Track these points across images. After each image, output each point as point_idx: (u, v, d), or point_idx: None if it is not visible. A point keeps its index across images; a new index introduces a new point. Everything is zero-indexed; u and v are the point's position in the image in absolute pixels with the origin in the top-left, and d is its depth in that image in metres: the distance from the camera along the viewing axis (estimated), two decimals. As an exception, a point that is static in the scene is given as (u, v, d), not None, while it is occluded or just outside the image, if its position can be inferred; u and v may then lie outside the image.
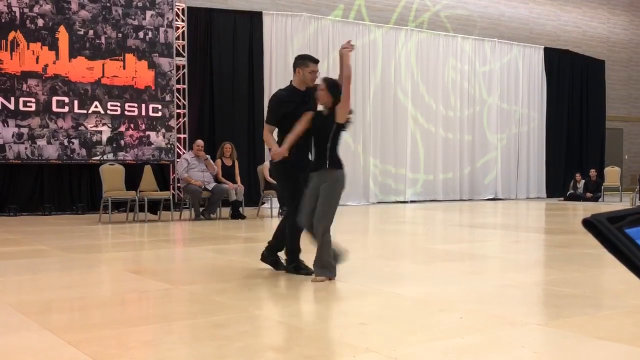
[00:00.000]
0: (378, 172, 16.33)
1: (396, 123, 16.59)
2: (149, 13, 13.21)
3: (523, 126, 18.93)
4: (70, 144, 12.47)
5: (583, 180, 18.07)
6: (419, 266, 6.50)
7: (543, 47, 19.30)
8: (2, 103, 11.88)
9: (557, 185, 19.27)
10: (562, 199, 18.27)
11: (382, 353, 3.28)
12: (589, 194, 17.63)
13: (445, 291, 5.03)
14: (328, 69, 15.53)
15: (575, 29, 20.47)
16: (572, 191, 18.19)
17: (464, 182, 17.85)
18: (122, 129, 12.97)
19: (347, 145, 15.75)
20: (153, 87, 13.21)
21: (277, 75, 14.18)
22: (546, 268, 6.58)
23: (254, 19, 14.80)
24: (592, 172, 18.04)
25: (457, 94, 17.65)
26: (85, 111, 12.61)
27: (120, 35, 12.93)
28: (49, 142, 12.25)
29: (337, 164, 5.33)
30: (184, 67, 13.76)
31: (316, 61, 5.60)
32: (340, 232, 10.40)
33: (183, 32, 13.75)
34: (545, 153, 19.33)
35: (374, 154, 16.24)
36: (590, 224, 0.91)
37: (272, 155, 5.49)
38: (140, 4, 13.12)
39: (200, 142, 11.84)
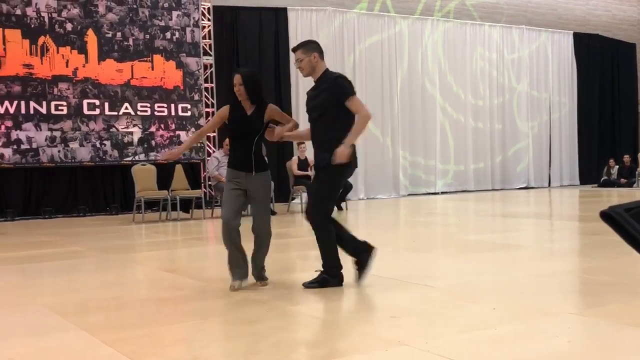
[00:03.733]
0: (407, 164, 16.26)
1: (425, 114, 16.50)
2: (175, 13, 13.31)
3: (554, 113, 18.70)
4: (102, 146, 12.63)
5: (617, 166, 17.81)
6: (451, 258, 6.47)
7: (572, 32, 19.02)
8: (34, 107, 12.07)
9: (591, 171, 19.01)
10: (596, 185, 18.03)
11: (414, 346, 3.28)
12: (623, 180, 17.37)
13: (477, 282, 5.01)
14: (354, 62, 15.53)
15: (605, 12, 20.12)
16: (605, 177, 17.94)
17: (495, 172, 17.70)
18: (153, 129, 13.11)
19: (376, 138, 15.74)
20: (182, 87, 13.32)
21: (303, 71, 14.16)
22: (580, 256, 6.51)
23: (279, 15, 14.84)
24: (626, 158, 17.77)
25: (485, 82, 17.49)
26: (115, 113, 12.77)
27: (147, 36, 13.05)
28: (81, 145, 12.43)
29: (265, 166, 5.06)
30: (211, 65, 13.84)
31: (292, 50, 5.06)
32: (370, 225, 10.43)
33: (209, 31, 13.83)
34: (578, 139, 19.07)
35: (403, 145, 16.17)
36: (608, 216, 0.90)
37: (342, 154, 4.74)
38: (166, 5, 13.23)
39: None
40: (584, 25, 19.50)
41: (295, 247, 7.78)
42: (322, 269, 4.96)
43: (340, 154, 4.68)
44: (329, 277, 4.89)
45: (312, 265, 6.18)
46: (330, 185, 4.93)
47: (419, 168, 16.48)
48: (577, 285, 5.05)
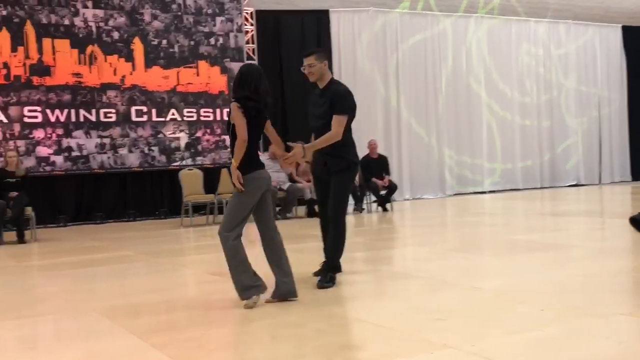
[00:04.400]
0: (454, 163, 16.12)
1: (470, 112, 16.34)
2: (218, 19, 13.46)
3: (604, 109, 18.30)
4: (151, 152, 12.85)
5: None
6: (499, 258, 6.40)
7: (621, 25, 18.58)
8: (84, 115, 12.35)
9: (643, 167, 18.55)
10: (649, 181, 17.59)
11: (460, 349, 3.26)
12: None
13: (525, 283, 4.94)
14: (397, 62, 15.47)
15: (656, 4, 19.58)
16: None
17: (544, 169, 17.41)
18: (199, 134, 13.28)
19: (421, 138, 15.65)
20: (226, 92, 13.46)
21: (346, 72, 14.19)
22: (632, 255, 6.36)
23: (321, 18, 14.87)
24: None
25: (532, 79, 17.23)
26: (163, 119, 12.97)
27: (192, 42, 13.23)
28: (130, 151, 12.67)
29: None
30: (255, 70, 13.92)
31: (304, 55, 5.32)
32: (416, 226, 10.37)
33: (252, 36, 13.94)
34: (629, 135, 18.61)
35: (449, 145, 16.03)
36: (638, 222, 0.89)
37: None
38: (210, 11, 13.39)
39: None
40: (633, 17, 19.01)
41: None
42: (321, 267, 5.40)
43: (298, 153, 4.98)
44: (334, 274, 5.27)
45: (356, 267, 6.19)
46: (347, 187, 5.37)
47: (466, 167, 16.32)
48: (628, 285, 4.94)
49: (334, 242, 5.30)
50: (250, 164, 4.60)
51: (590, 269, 5.41)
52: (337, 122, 5.14)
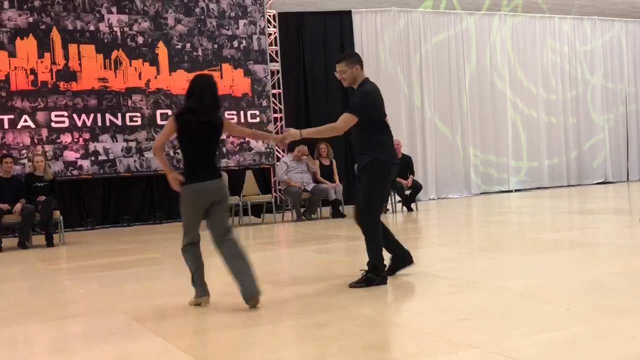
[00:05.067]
0: (479, 162, 16.03)
1: (495, 110, 16.23)
2: (241, 22, 13.54)
3: (631, 105, 18.08)
4: (176, 155, 12.94)
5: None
6: (525, 257, 6.35)
7: (648, 20, 18.36)
8: (110, 119, 12.49)
9: (673, 164, 18.28)
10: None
11: (484, 349, 3.25)
12: None
13: (551, 282, 4.90)
14: (421, 62, 15.42)
15: (683, -3, 19.29)
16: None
17: (571, 167, 17.24)
18: (223, 136, 13.30)
19: (445, 137, 15.58)
20: (250, 94, 13.53)
21: (369, 73, 13.98)
22: (661, 253, 6.27)
23: (343, 19, 14.88)
24: None
25: (557, 76, 17.06)
26: (187, 122, 13.05)
27: (215, 46, 13.31)
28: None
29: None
30: (278, 72, 14.00)
31: (335, 62, 5.34)
32: (442, 225, 10.33)
33: (275, 38, 13.99)
34: (658, 131, 18.38)
35: (474, 143, 15.95)
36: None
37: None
38: (233, 14, 13.47)
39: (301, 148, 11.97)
40: (661, 12, 18.76)
41: (365, 250, 7.77)
42: (366, 269, 5.17)
43: (294, 133, 5.11)
44: (374, 276, 5.09)
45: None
46: (375, 185, 5.17)
47: (491, 166, 16.22)
48: (657, 283, 4.88)
49: (367, 247, 5.18)
50: (189, 175, 4.66)
51: (618, 267, 5.35)
52: (343, 118, 5.15)
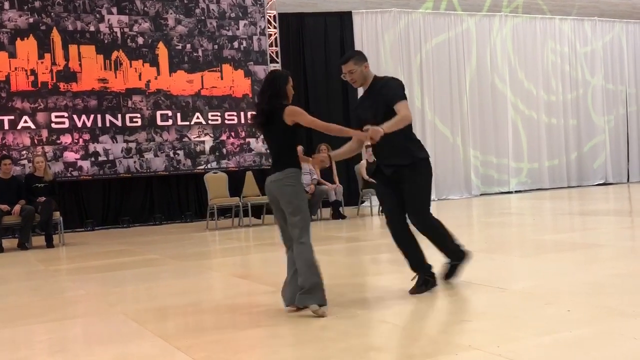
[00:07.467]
0: (479, 163, 16.02)
1: (495, 112, 16.22)
2: (242, 23, 13.53)
3: (631, 106, 18.07)
4: (176, 156, 12.95)
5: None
6: (526, 259, 6.34)
7: (648, 21, 18.35)
8: (110, 120, 12.48)
9: (673, 165, 18.27)
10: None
11: (485, 350, 3.24)
12: None
13: (552, 283, 4.89)
14: (421, 63, 15.41)
15: (684, -2, 19.30)
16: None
17: (571, 168, 17.23)
18: (224, 137, 13.35)
19: (446, 138, 15.57)
20: (250, 95, 13.51)
21: (370, 73, 14.14)
22: (662, 254, 6.26)
23: (344, 19, 14.88)
24: None
25: (558, 77, 17.06)
26: (187, 123, 13.06)
27: (216, 46, 13.31)
28: (155, 155, 12.78)
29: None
30: (278, 72, 13.96)
31: (341, 63, 4.92)
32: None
33: (275, 39, 13.99)
34: (658, 132, 18.37)
35: (474, 145, 15.94)
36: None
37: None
38: (233, 15, 13.47)
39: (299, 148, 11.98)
40: (661, 13, 18.76)
41: (365, 251, 7.78)
42: (417, 274, 4.88)
43: (376, 131, 4.44)
44: (430, 278, 4.84)
45: (381, 268, 6.19)
46: (424, 185, 4.92)
47: (491, 167, 16.21)
48: (659, 284, 4.86)
49: (437, 243, 4.95)
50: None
51: (619, 268, 5.34)
52: (403, 106, 4.68)
